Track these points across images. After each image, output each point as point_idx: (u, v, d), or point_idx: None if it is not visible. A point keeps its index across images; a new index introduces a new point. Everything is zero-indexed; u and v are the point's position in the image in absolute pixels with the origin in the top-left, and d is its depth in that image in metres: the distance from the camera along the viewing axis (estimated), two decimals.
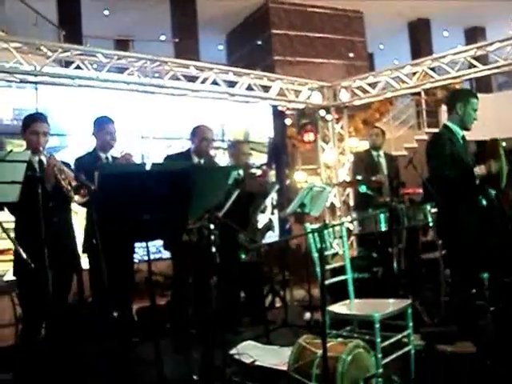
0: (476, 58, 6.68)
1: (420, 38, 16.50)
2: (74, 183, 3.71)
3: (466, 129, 4.33)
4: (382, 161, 6.31)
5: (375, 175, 6.01)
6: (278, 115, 9.08)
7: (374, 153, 6.33)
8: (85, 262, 4.40)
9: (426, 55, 8.14)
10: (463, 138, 4.32)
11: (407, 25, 16.65)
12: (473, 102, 4.30)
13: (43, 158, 3.87)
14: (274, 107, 8.07)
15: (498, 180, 4.22)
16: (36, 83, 5.61)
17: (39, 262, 3.39)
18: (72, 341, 4.46)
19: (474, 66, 6.67)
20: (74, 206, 4.27)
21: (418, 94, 11.70)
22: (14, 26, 9.63)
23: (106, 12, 13.82)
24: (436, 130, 4.69)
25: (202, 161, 5.10)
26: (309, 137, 8.12)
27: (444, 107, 12.43)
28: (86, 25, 12.60)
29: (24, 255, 3.18)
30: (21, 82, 5.45)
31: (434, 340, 4.01)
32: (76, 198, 3.71)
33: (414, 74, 7.20)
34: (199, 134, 5.08)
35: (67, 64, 6.11)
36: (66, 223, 4.10)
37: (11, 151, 3.06)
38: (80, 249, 4.32)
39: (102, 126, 4.59)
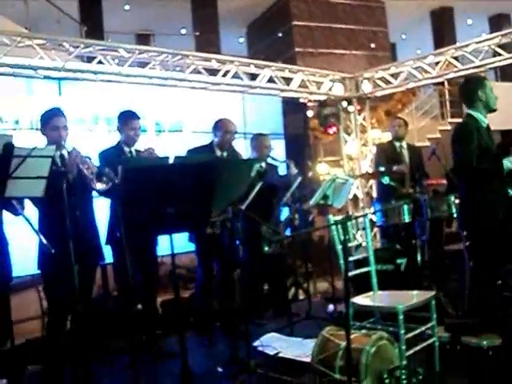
0: (501, 46, 6.57)
1: (443, 27, 16.29)
2: (95, 171, 3.76)
3: (493, 110, 4.27)
4: (405, 152, 6.27)
5: (397, 166, 5.98)
6: (297, 108, 9.07)
7: (397, 144, 6.29)
8: (108, 255, 4.45)
9: (450, 44, 8.04)
10: (488, 127, 4.27)
11: (430, 14, 16.45)
12: (488, 84, 4.28)
13: (64, 153, 3.90)
14: (286, 100, 8.04)
15: None
16: (59, 79, 5.66)
17: (65, 256, 3.44)
18: (97, 334, 4.51)
19: (499, 55, 6.56)
20: (97, 199, 4.33)
21: (441, 83, 11.58)
22: (37, 23, 9.74)
23: (127, 7, 13.89)
24: (460, 121, 4.61)
25: (225, 154, 5.11)
26: (332, 130, 8.07)
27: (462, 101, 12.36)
28: (107, 20, 12.69)
29: (44, 240, 3.23)
30: (44, 77, 5.50)
31: (458, 332, 3.98)
32: (98, 185, 3.75)
33: (437, 63, 7.10)
34: (222, 128, 5.10)
35: (89, 59, 6.15)
36: (88, 216, 4.15)
37: (35, 148, 3.10)
38: (103, 241, 4.37)
39: (127, 121, 4.63)
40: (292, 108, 9.63)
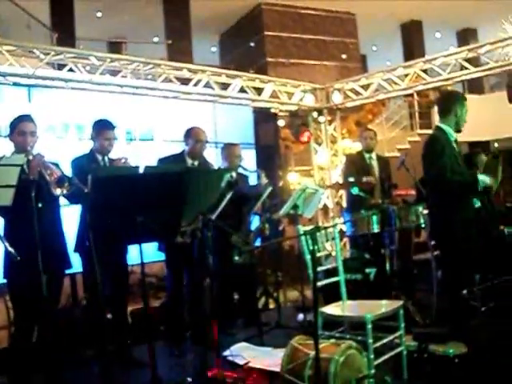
0: (468, 60, 6.72)
1: (412, 40, 16.55)
2: (57, 177, 3.72)
3: (459, 130, 4.37)
4: (374, 163, 6.34)
5: (366, 177, 6.04)
6: (268, 117, 9.11)
7: (367, 155, 6.36)
8: (77, 263, 4.41)
9: (419, 56, 8.18)
10: (456, 140, 4.36)
11: (400, 26, 16.70)
12: (466, 105, 4.37)
13: (31, 158, 3.85)
14: (257, 110, 8.08)
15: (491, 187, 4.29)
16: (29, 86, 5.60)
17: (32, 265, 3.41)
18: (66, 343, 4.46)
19: (466, 68, 6.71)
20: (67, 207, 4.30)
21: (411, 95, 11.76)
22: (7, 27, 9.63)
23: (99, 14, 13.80)
24: (429, 132, 4.70)
25: (196, 163, 5.11)
26: (305, 137, 8.11)
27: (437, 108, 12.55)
28: (79, 27, 12.57)
29: (9, 248, 3.19)
30: (14, 84, 5.44)
31: (426, 340, 4.04)
32: (57, 191, 3.72)
33: (406, 75, 7.22)
34: (193, 136, 5.09)
35: (60, 67, 6.10)
36: (55, 223, 4.12)
37: (3, 156, 3.07)
38: (72, 248, 4.33)
39: (101, 130, 4.59)
40: (263, 118, 9.68)
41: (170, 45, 13.35)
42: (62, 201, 4.17)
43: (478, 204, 4.42)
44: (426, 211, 5.16)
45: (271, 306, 6.60)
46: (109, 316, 4.72)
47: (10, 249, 3.18)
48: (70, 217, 4.44)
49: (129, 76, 6.20)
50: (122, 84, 6.12)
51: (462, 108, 4.33)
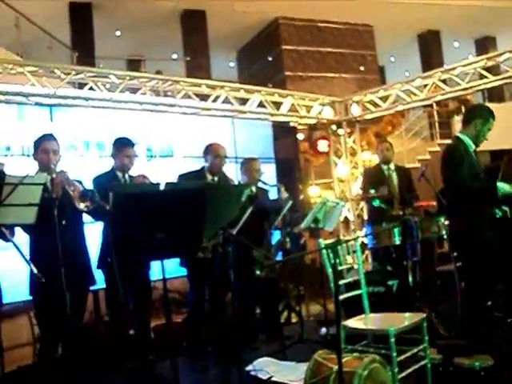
0: (487, 69, 6.68)
1: (430, 50, 16.49)
2: (80, 191, 3.77)
3: (476, 145, 4.34)
4: (393, 174, 6.30)
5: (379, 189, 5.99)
6: (287, 131, 9.11)
7: (384, 167, 6.32)
8: (100, 280, 4.44)
9: (437, 66, 8.15)
10: (475, 151, 4.33)
11: (417, 37, 16.67)
12: (491, 123, 4.33)
13: (55, 176, 3.92)
14: (276, 124, 8.10)
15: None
16: (51, 105, 5.70)
17: (56, 282, 3.45)
18: (89, 359, 4.49)
19: (485, 77, 6.67)
20: (90, 224, 4.34)
21: (430, 105, 11.71)
22: (29, 49, 9.79)
23: (118, 33, 14.00)
24: (449, 142, 4.68)
25: (216, 178, 5.14)
26: (323, 147, 8.10)
27: (457, 118, 12.44)
28: (98, 46, 12.76)
29: (35, 269, 3.23)
30: (36, 104, 5.54)
31: (450, 353, 3.99)
32: (81, 205, 3.76)
33: (425, 86, 7.21)
34: (212, 152, 5.12)
35: (81, 85, 6.20)
36: (79, 240, 4.17)
37: (27, 175, 3.12)
38: (95, 265, 4.37)
39: (122, 148, 4.65)
40: (282, 132, 9.70)
41: (189, 61, 13.49)
42: (86, 218, 4.22)
43: (499, 214, 4.38)
44: (447, 222, 5.11)
45: (293, 320, 6.57)
46: (131, 332, 4.74)
47: (36, 271, 3.22)
48: (93, 234, 4.48)
49: (148, 93, 6.27)
50: (142, 101, 6.19)
51: (483, 123, 4.29)
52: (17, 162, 5.31)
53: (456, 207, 4.35)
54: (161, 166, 6.50)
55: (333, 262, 3.67)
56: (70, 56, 11.11)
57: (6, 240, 3.44)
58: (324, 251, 3.79)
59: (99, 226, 4.50)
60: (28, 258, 3.46)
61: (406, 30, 15.59)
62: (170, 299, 6.06)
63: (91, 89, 5.90)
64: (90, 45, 12.57)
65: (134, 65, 14.44)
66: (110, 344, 4.66)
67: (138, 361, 4.61)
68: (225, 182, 5.18)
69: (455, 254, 4.96)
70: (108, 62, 13.04)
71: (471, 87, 6.80)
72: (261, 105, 7.18)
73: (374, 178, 6.32)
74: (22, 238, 3.78)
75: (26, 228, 3.77)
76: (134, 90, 6.39)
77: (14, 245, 3.28)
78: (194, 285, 5.06)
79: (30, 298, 4.02)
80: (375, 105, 7.83)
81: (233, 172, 6.13)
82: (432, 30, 16.30)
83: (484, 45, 16.70)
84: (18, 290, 4.26)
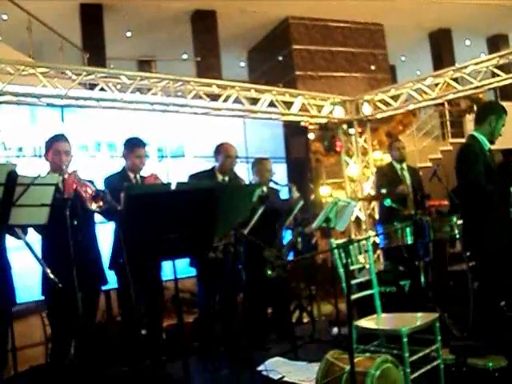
0: (499, 67, 6.64)
1: (441, 48, 16.41)
2: (92, 192, 3.78)
3: (492, 142, 4.32)
4: (406, 173, 6.28)
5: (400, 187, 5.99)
6: (300, 131, 9.10)
7: (398, 166, 6.30)
8: (112, 280, 4.45)
9: (449, 65, 8.10)
10: (489, 150, 4.31)
11: (428, 35, 16.59)
12: (504, 118, 4.33)
13: (66, 177, 3.93)
14: (287, 124, 8.09)
15: None
16: (62, 106, 5.72)
17: (68, 282, 3.46)
18: (101, 359, 4.50)
19: (498, 75, 6.62)
20: (102, 225, 4.35)
21: (442, 104, 11.64)
22: (40, 50, 9.86)
23: (129, 33, 14.05)
24: (461, 141, 4.65)
25: (227, 178, 5.14)
26: (338, 146, 8.07)
27: (469, 117, 12.36)
28: (109, 47, 12.82)
29: (51, 275, 3.23)
30: (47, 105, 5.56)
31: (464, 354, 3.96)
32: (93, 205, 3.77)
33: (437, 85, 7.17)
34: (223, 152, 5.12)
35: (92, 86, 6.22)
36: (91, 241, 4.18)
37: (39, 176, 3.13)
38: (106, 265, 4.38)
39: (133, 148, 4.64)
40: (293, 131, 9.68)
41: (199, 62, 13.51)
42: (97, 218, 4.23)
43: None
44: (460, 221, 5.08)
45: (305, 320, 6.56)
46: (143, 332, 4.75)
47: (51, 276, 3.23)
48: (105, 234, 4.50)
49: (159, 94, 6.28)
50: (153, 102, 6.20)
51: (498, 120, 4.28)
52: (29, 163, 5.35)
53: (470, 206, 4.33)
54: (172, 166, 6.51)
55: (345, 261, 3.65)
56: (81, 57, 11.15)
57: (19, 238, 3.46)
58: (336, 251, 3.78)
59: (111, 226, 4.51)
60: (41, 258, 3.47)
61: (417, 29, 15.53)
62: (181, 299, 6.07)
63: (102, 89, 5.92)
64: (100, 46, 12.63)
65: (144, 65, 14.48)
66: (122, 344, 4.67)
67: (149, 361, 4.62)
68: (236, 181, 5.18)
69: (468, 253, 4.93)
70: (119, 62, 13.09)
71: (483, 85, 6.75)
72: (271, 104, 7.17)
73: (387, 176, 6.30)
74: (33, 236, 3.80)
75: (38, 228, 3.79)
76: (144, 91, 6.41)
77: (28, 245, 3.29)
78: (204, 285, 5.05)
79: (42, 298, 4.04)
80: (386, 104, 7.80)
81: (244, 172, 6.12)
82: (443, 29, 16.23)
83: (496, 43, 16.60)
84: (31, 290, 4.28)
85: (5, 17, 10.87)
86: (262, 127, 7.66)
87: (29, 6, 8.76)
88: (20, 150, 5.48)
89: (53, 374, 4.01)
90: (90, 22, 12.63)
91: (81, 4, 12.44)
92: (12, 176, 2.95)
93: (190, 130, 6.83)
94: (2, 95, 5.25)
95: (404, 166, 6.33)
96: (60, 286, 3.24)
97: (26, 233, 3.58)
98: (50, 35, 9.58)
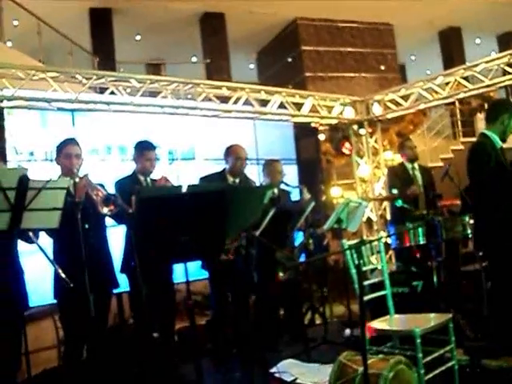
0: (510, 65, 6.58)
1: (452, 47, 16.34)
2: (103, 196, 3.79)
3: (503, 140, 4.29)
4: (417, 173, 6.25)
5: (412, 188, 5.96)
6: (310, 132, 9.08)
7: (409, 165, 6.27)
8: (124, 283, 4.46)
9: (459, 64, 8.06)
10: (501, 148, 4.28)
11: (438, 34, 16.53)
12: None
13: (77, 180, 3.94)
14: (297, 125, 8.06)
15: None
16: (73, 110, 5.74)
17: (80, 285, 3.47)
18: (113, 362, 4.51)
19: (509, 73, 6.57)
20: (113, 228, 4.36)
21: (452, 103, 11.58)
22: (51, 55, 9.92)
23: (138, 37, 14.10)
24: (472, 139, 4.62)
25: (237, 180, 5.13)
26: (346, 149, 8.05)
27: (480, 115, 12.28)
28: (118, 51, 12.88)
29: (62, 274, 3.24)
30: (58, 109, 5.58)
31: (478, 355, 3.93)
32: (104, 209, 3.78)
33: (447, 84, 7.12)
34: (233, 154, 5.12)
35: (102, 90, 6.24)
36: (102, 244, 4.19)
37: (50, 180, 3.14)
38: (118, 269, 4.39)
39: (143, 151, 4.66)
40: (303, 133, 9.67)
41: (209, 64, 13.54)
42: (108, 221, 4.24)
43: None
44: (472, 221, 5.04)
45: (317, 321, 6.53)
46: (155, 335, 4.75)
47: (63, 275, 3.24)
48: (116, 237, 4.51)
49: (169, 96, 6.29)
50: (163, 105, 6.21)
51: (510, 118, 4.25)
52: (40, 168, 5.37)
53: (481, 205, 4.30)
54: (183, 169, 6.52)
55: (357, 262, 3.63)
56: (91, 61, 11.23)
57: (31, 242, 3.47)
58: (348, 252, 3.76)
59: (122, 230, 4.51)
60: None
61: (427, 28, 15.47)
62: (193, 302, 6.07)
63: (112, 93, 5.93)
64: (110, 50, 12.70)
65: (154, 69, 14.53)
66: (135, 347, 4.68)
67: (162, 363, 4.62)
68: (246, 183, 5.17)
69: (480, 253, 4.89)
70: (128, 66, 13.15)
71: (494, 84, 6.70)
72: (281, 106, 7.16)
73: (399, 176, 6.27)
74: (45, 240, 3.81)
75: (49, 232, 3.80)
76: (154, 94, 6.42)
77: (41, 249, 3.30)
78: (216, 287, 5.05)
79: (55, 301, 4.06)
80: (397, 104, 7.76)
81: (254, 174, 6.12)
82: (453, 27, 16.16)
83: (507, 41, 16.48)
84: (43, 293, 4.29)
85: (15, 22, 10.94)
86: (272, 129, 7.65)
87: (39, 12, 8.83)
88: (31, 154, 5.51)
89: (66, 377, 4.02)
90: (99, 26, 12.70)
91: (90, 8, 12.51)
92: (24, 180, 2.96)
93: (200, 132, 6.83)
94: (13, 100, 5.28)
95: (415, 165, 6.30)
96: (72, 285, 3.24)
97: (37, 236, 3.59)
98: (59, 40, 9.66)
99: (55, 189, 3.13)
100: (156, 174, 4.68)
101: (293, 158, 7.95)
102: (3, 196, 2.89)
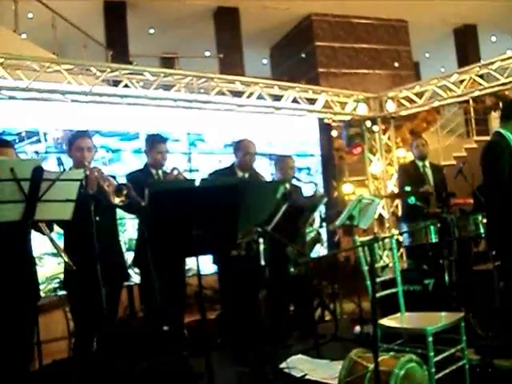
0: None
1: (467, 45, 16.22)
2: (114, 186, 3.80)
3: None
4: (428, 171, 6.20)
5: (422, 186, 5.92)
6: (324, 128, 9.05)
7: (420, 163, 6.22)
8: (135, 276, 4.47)
9: (474, 62, 8.00)
10: None
11: (453, 31, 16.41)
12: None
13: (89, 172, 3.94)
14: (320, 120, 8.04)
15: None
16: (87, 103, 5.76)
17: (91, 277, 3.48)
18: (123, 354, 4.52)
19: None
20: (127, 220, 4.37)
21: (466, 101, 11.50)
22: (65, 48, 9.95)
23: (152, 31, 14.11)
24: (486, 138, 4.58)
25: (247, 175, 5.13)
26: (356, 151, 8.06)
27: (494, 114, 12.18)
28: (132, 44, 12.90)
29: (66, 258, 3.24)
30: (72, 102, 5.60)
31: (489, 354, 3.90)
32: (116, 200, 3.79)
33: (462, 81, 7.07)
34: (242, 149, 5.11)
35: (115, 83, 6.26)
36: (112, 236, 4.20)
37: (64, 171, 3.15)
38: (130, 262, 4.40)
39: (154, 144, 4.67)
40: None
41: (222, 58, 13.52)
42: (119, 213, 4.25)
43: None
44: (485, 220, 5.01)
45: (327, 318, 6.52)
46: (166, 328, 4.76)
47: (66, 259, 3.24)
48: (128, 230, 4.52)
49: (182, 90, 6.29)
50: (176, 98, 6.21)
51: None
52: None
53: (494, 204, 4.26)
54: (196, 163, 6.52)
55: (369, 259, 3.62)
56: (105, 54, 11.24)
57: (43, 233, 3.48)
58: (360, 249, 3.75)
59: (134, 223, 4.53)
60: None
61: (442, 25, 15.37)
62: (204, 295, 6.08)
63: (126, 86, 5.95)
64: (124, 43, 12.73)
65: (167, 62, 14.52)
66: (145, 339, 4.69)
67: (171, 356, 4.63)
68: (255, 178, 5.16)
69: (493, 252, 4.86)
70: (142, 59, 13.16)
71: (510, 82, 6.64)
72: (295, 101, 7.14)
73: (410, 174, 6.24)
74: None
75: (61, 224, 3.82)
76: (168, 87, 6.42)
77: (51, 240, 3.30)
78: (227, 282, 5.05)
79: (65, 292, 4.08)
80: (410, 101, 7.73)
81: (267, 169, 6.10)
82: (468, 25, 16.04)
83: None
84: (53, 284, 4.31)
85: (30, 15, 10.98)
86: (286, 123, 7.63)
87: (53, 4, 8.86)
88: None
89: (75, 368, 4.04)
90: (113, 20, 12.74)
91: (104, 1, 12.57)
92: (38, 171, 2.96)
93: (213, 126, 6.82)
94: (28, 91, 5.30)
95: (426, 163, 6.25)
96: (75, 268, 3.24)
97: (51, 229, 3.60)
98: (74, 33, 9.68)
99: (69, 180, 3.13)
100: (167, 167, 4.69)
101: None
102: (17, 187, 2.90)
